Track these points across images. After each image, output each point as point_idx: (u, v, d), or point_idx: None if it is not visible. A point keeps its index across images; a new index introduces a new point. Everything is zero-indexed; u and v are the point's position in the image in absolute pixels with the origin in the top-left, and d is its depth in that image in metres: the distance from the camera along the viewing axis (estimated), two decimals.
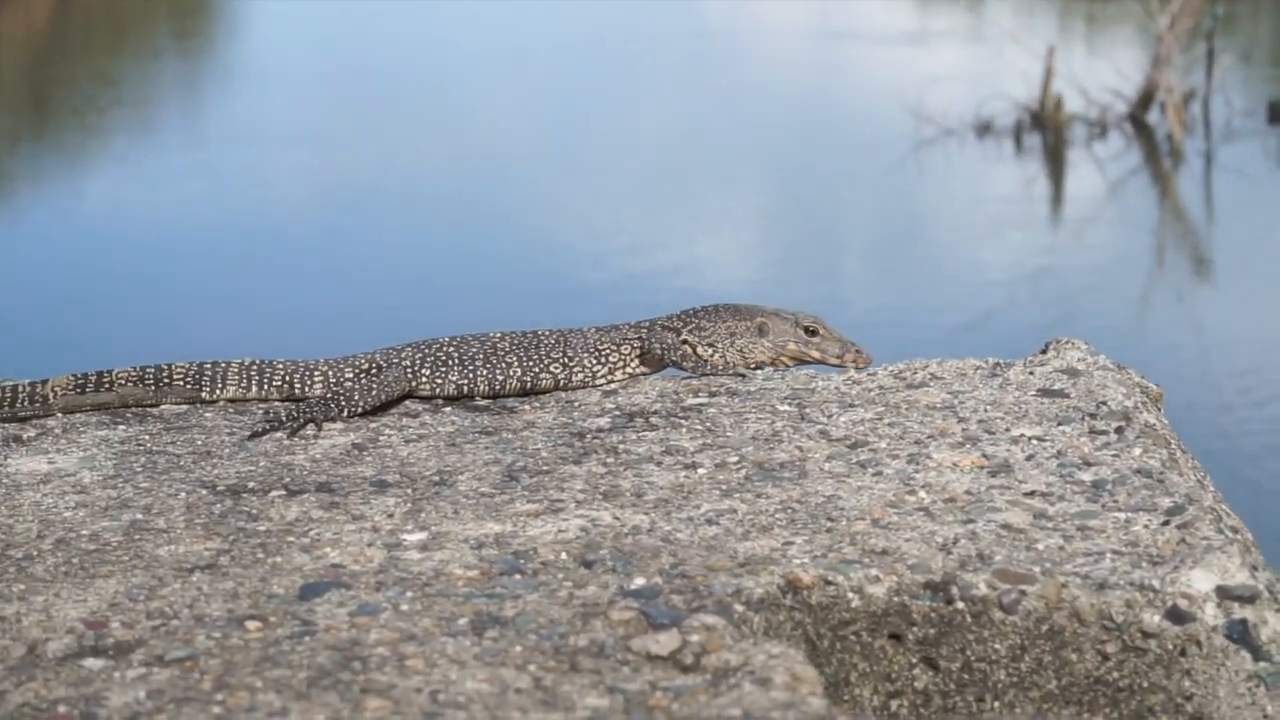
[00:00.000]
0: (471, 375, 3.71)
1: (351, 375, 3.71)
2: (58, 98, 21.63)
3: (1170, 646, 2.69)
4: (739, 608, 2.67)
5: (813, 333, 3.81)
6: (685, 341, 3.80)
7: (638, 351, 3.78)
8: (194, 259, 14.14)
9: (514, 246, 14.64)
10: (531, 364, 3.73)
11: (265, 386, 3.74)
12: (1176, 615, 2.70)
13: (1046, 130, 18.95)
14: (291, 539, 3.02)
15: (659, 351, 3.76)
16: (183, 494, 3.24)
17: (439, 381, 3.71)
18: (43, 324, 12.24)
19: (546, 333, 3.78)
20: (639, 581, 2.76)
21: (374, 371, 3.70)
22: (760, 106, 20.70)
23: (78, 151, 18.89)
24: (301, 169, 17.62)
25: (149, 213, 15.86)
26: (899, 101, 18.86)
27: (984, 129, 19.00)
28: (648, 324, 3.84)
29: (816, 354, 3.81)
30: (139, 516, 3.13)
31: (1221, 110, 19.35)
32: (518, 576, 2.81)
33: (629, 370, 3.79)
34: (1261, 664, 2.68)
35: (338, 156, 18.16)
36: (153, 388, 3.71)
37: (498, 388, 3.72)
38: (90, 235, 15.30)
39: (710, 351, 3.79)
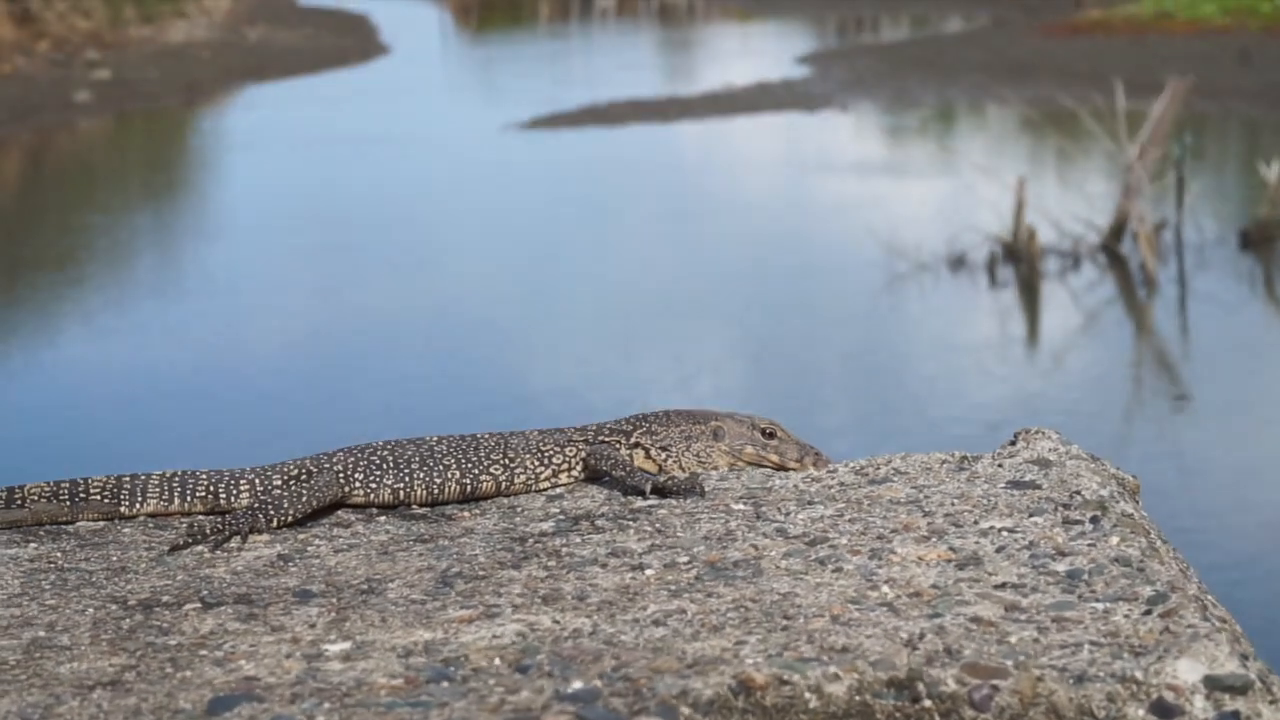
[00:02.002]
0: (408, 479, 3.48)
1: (280, 482, 3.48)
2: (29, 251, 21.50)
3: None
4: (685, 710, 2.45)
5: (770, 435, 3.59)
6: (637, 444, 3.57)
7: (583, 454, 3.55)
8: (161, 405, 13.94)
9: (483, 389, 14.45)
10: (470, 466, 3.49)
11: (188, 498, 3.50)
12: (1163, 709, 2.47)
13: (1020, 262, 18.87)
14: (204, 652, 2.79)
15: (602, 468, 3.52)
16: (90, 610, 3.01)
17: (373, 486, 3.48)
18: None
19: (485, 435, 3.55)
20: (577, 685, 2.53)
21: (304, 478, 3.47)
22: (732, 242, 20.62)
23: (51, 305, 18.74)
24: (270, 316, 17.46)
25: (118, 361, 15.68)
26: (872, 236, 18.78)
27: (957, 262, 18.91)
28: (594, 428, 3.61)
29: (775, 457, 3.57)
30: (41, 634, 2.90)
31: (1193, 238, 19.30)
32: (445, 684, 2.58)
33: (574, 474, 3.56)
34: None
35: (307, 304, 18.02)
36: (68, 503, 3.48)
37: (436, 492, 3.48)
38: (62, 385, 15.11)
39: (664, 456, 3.56)
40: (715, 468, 3.58)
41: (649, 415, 3.63)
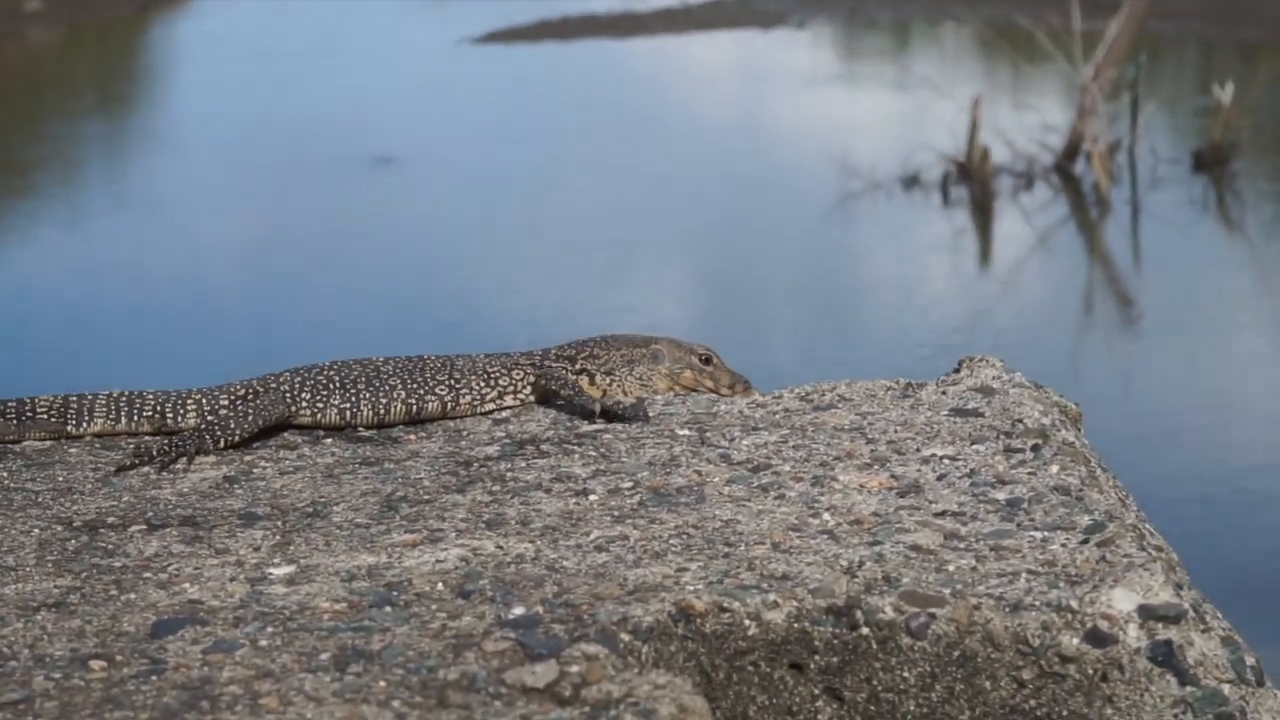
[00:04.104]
0: (354, 399, 3.48)
1: (227, 403, 3.48)
2: None
3: (1090, 671, 2.50)
4: (625, 636, 2.47)
5: (706, 360, 3.64)
6: (583, 370, 3.59)
7: (530, 379, 3.57)
8: (108, 313, 13.88)
9: (436, 309, 14.42)
10: (416, 386, 3.50)
11: (135, 418, 3.50)
12: (1097, 637, 2.51)
13: (973, 182, 18.85)
14: (148, 575, 2.80)
15: (553, 388, 3.55)
16: (36, 531, 3.01)
17: (319, 407, 3.48)
18: None
19: (432, 357, 3.56)
20: (518, 611, 2.55)
21: (251, 399, 3.47)
22: (684, 161, 20.56)
23: (1, 212, 18.61)
24: (218, 232, 17.38)
25: (62, 277, 15.59)
26: (825, 153, 18.75)
27: (911, 181, 18.89)
28: (540, 352, 3.63)
29: (710, 382, 3.62)
30: None
31: (1147, 159, 19.31)
32: (388, 609, 2.60)
33: (520, 397, 3.58)
34: (1188, 688, 2.49)
35: (255, 220, 17.92)
36: (14, 422, 3.48)
37: (382, 412, 3.49)
38: (7, 288, 15.03)
39: (608, 381, 3.59)
40: (656, 391, 3.61)
41: (590, 340, 3.66)
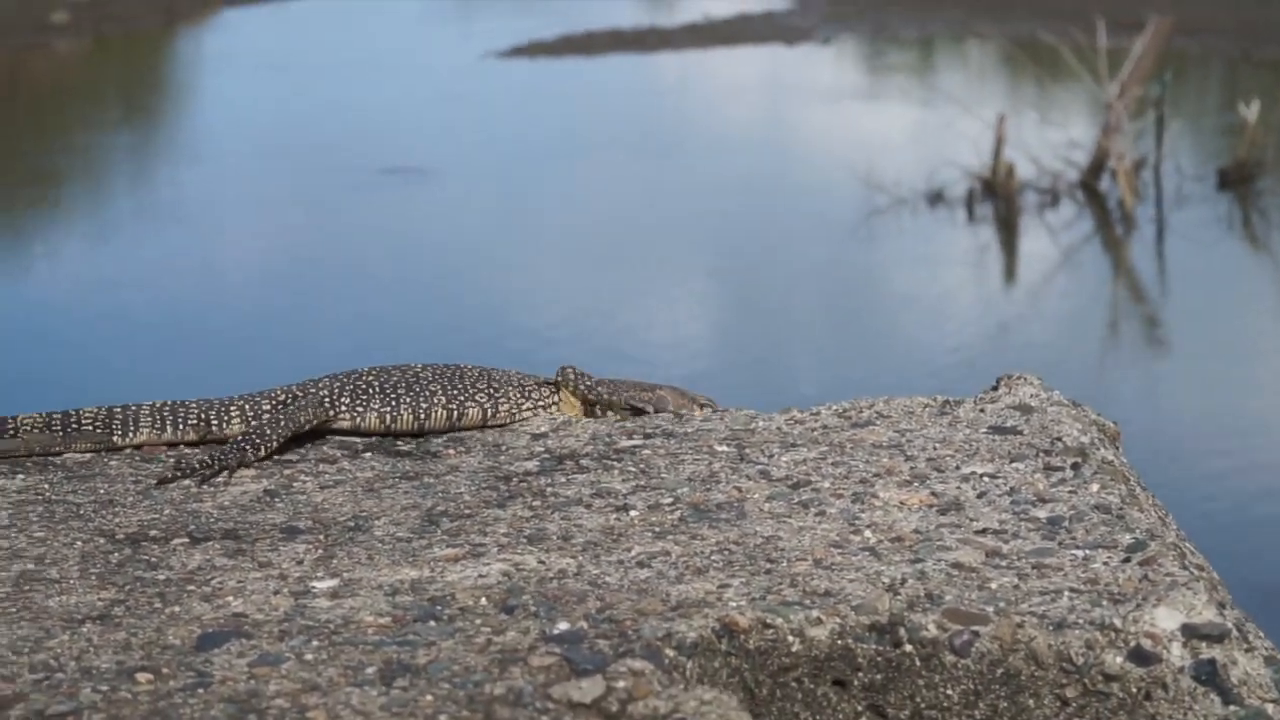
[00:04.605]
0: (394, 404, 3.51)
1: (270, 408, 3.51)
2: (5, 173, 21.41)
3: (1134, 690, 2.50)
4: (670, 652, 2.48)
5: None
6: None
7: (558, 391, 3.64)
8: (135, 326, 13.92)
9: (459, 322, 14.44)
10: (457, 393, 3.54)
11: (180, 427, 3.52)
12: (1140, 656, 2.51)
13: (998, 199, 18.87)
14: (192, 588, 2.81)
15: (585, 387, 3.61)
16: (79, 543, 3.03)
17: (359, 411, 3.51)
18: None
19: (469, 366, 3.61)
20: (562, 626, 2.56)
21: (291, 404, 3.50)
22: (709, 176, 20.58)
23: (26, 225, 18.67)
24: (244, 244, 17.43)
25: (95, 281, 15.65)
26: (851, 169, 18.77)
27: (936, 197, 18.91)
28: (571, 369, 3.70)
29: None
30: (30, 567, 2.92)
31: (1172, 177, 19.31)
32: (432, 623, 2.61)
33: (550, 412, 3.62)
34: (1232, 708, 2.49)
35: (286, 230, 17.97)
36: (60, 434, 3.50)
37: (422, 417, 3.52)
38: (37, 302, 15.09)
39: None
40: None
41: (598, 381, 3.71)
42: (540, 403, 3.61)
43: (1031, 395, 3.48)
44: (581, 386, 3.63)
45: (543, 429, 3.56)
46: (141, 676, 2.47)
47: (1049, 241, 18.04)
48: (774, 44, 30.82)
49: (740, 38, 31.34)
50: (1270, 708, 2.49)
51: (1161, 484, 3.38)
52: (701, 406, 3.67)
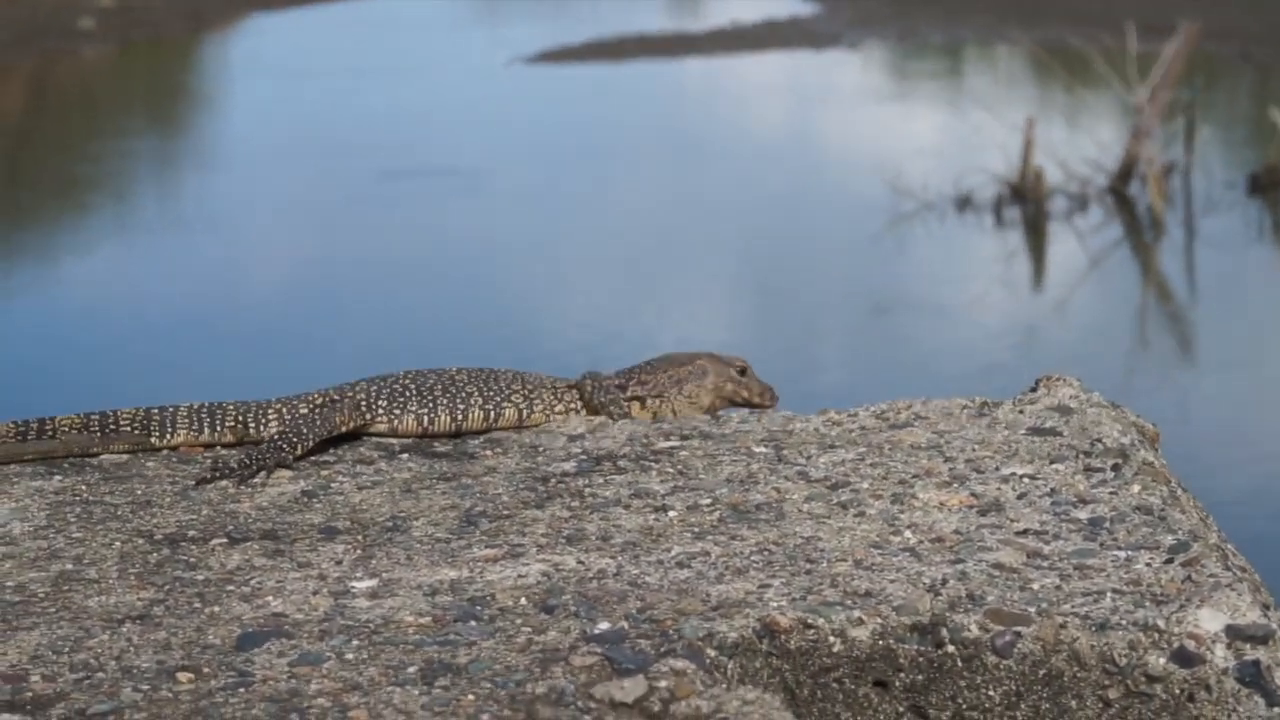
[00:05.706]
0: (432, 406, 3.52)
1: (306, 411, 3.51)
2: (34, 179, 21.48)
3: (1178, 691, 2.49)
4: (711, 652, 2.47)
5: (743, 372, 3.75)
6: (634, 397, 3.67)
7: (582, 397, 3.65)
8: (170, 328, 13.96)
9: (487, 322, 14.45)
10: (493, 394, 3.56)
11: (218, 429, 3.53)
12: (1184, 657, 2.50)
13: (1027, 203, 18.81)
14: (231, 588, 2.81)
15: (601, 401, 3.61)
16: (117, 544, 3.03)
17: (396, 414, 3.52)
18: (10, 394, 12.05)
19: (502, 369, 3.63)
20: (603, 626, 2.56)
21: (328, 406, 3.50)
22: (737, 181, 20.58)
23: (56, 230, 18.73)
24: (272, 250, 17.46)
25: (127, 288, 15.69)
26: (877, 172, 18.73)
27: (963, 202, 18.86)
28: (591, 378, 3.70)
29: (746, 393, 3.73)
30: (69, 567, 2.93)
31: (1202, 182, 19.24)
32: (473, 623, 2.61)
33: (582, 414, 3.64)
34: (1276, 709, 2.47)
35: (316, 234, 18.01)
36: (98, 435, 3.50)
37: (459, 419, 3.53)
38: (67, 309, 15.13)
39: (658, 403, 3.69)
40: (702, 407, 3.68)
41: (636, 367, 3.77)
42: (571, 405, 3.64)
43: (1071, 397, 3.47)
44: (595, 400, 3.63)
45: (579, 430, 3.56)
46: (182, 676, 2.47)
47: (1078, 247, 17.99)
48: (801, 49, 30.80)
49: (767, 43, 31.33)
50: None
51: (1197, 489, 3.36)
52: (737, 368, 3.71)
